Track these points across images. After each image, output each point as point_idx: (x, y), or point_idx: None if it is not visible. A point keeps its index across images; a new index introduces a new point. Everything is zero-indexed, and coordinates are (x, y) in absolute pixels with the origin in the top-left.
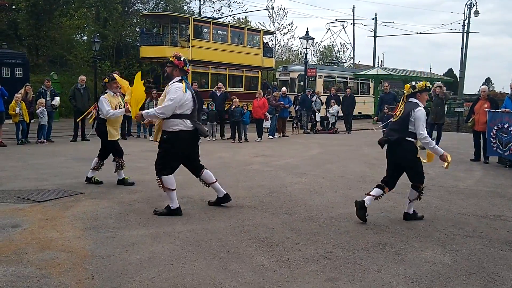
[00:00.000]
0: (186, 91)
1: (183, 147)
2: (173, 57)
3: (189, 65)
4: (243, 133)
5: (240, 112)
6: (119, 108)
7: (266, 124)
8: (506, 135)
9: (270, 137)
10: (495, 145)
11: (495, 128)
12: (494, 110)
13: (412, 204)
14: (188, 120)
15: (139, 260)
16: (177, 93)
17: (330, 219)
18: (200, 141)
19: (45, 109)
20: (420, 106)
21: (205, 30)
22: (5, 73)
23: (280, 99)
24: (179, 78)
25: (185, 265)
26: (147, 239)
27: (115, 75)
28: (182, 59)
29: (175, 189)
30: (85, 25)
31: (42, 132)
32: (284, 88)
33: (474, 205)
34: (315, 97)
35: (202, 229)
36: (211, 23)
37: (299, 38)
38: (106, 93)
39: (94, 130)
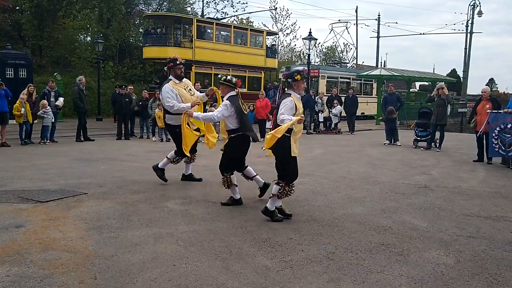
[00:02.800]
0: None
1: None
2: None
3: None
4: None
5: None
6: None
7: (268, 124)
8: (509, 136)
9: None
10: (497, 146)
11: (498, 128)
12: (496, 111)
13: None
14: None
15: (142, 260)
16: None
17: (333, 219)
18: (202, 141)
19: (47, 110)
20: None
21: (208, 30)
22: (9, 73)
23: None
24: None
25: (188, 266)
26: (150, 239)
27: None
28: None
29: None
30: (89, 25)
31: (45, 132)
32: None
33: (477, 206)
34: (317, 97)
35: (205, 230)
36: (214, 23)
37: (302, 38)
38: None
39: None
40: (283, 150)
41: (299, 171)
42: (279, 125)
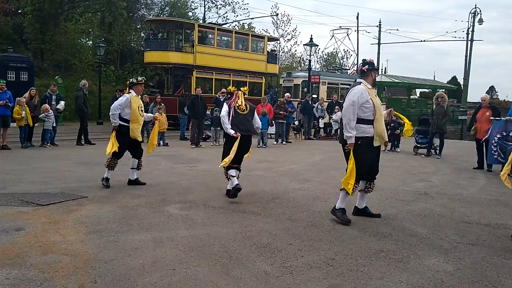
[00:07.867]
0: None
1: None
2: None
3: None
4: None
5: None
6: None
7: (271, 130)
8: (511, 144)
9: (274, 143)
10: (496, 153)
11: (498, 136)
12: (498, 118)
13: None
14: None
15: (142, 264)
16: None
17: (333, 225)
18: (203, 146)
19: (49, 114)
20: None
21: (210, 36)
22: (10, 76)
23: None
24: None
25: (188, 270)
26: (150, 243)
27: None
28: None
29: None
30: (90, 29)
31: (46, 136)
32: (287, 94)
33: (477, 213)
34: (317, 103)
35: (205, 234)
36: (216, 29)
37: (303, 44)
38: None
39: None
40: None
41: (299, 177)
42: None
